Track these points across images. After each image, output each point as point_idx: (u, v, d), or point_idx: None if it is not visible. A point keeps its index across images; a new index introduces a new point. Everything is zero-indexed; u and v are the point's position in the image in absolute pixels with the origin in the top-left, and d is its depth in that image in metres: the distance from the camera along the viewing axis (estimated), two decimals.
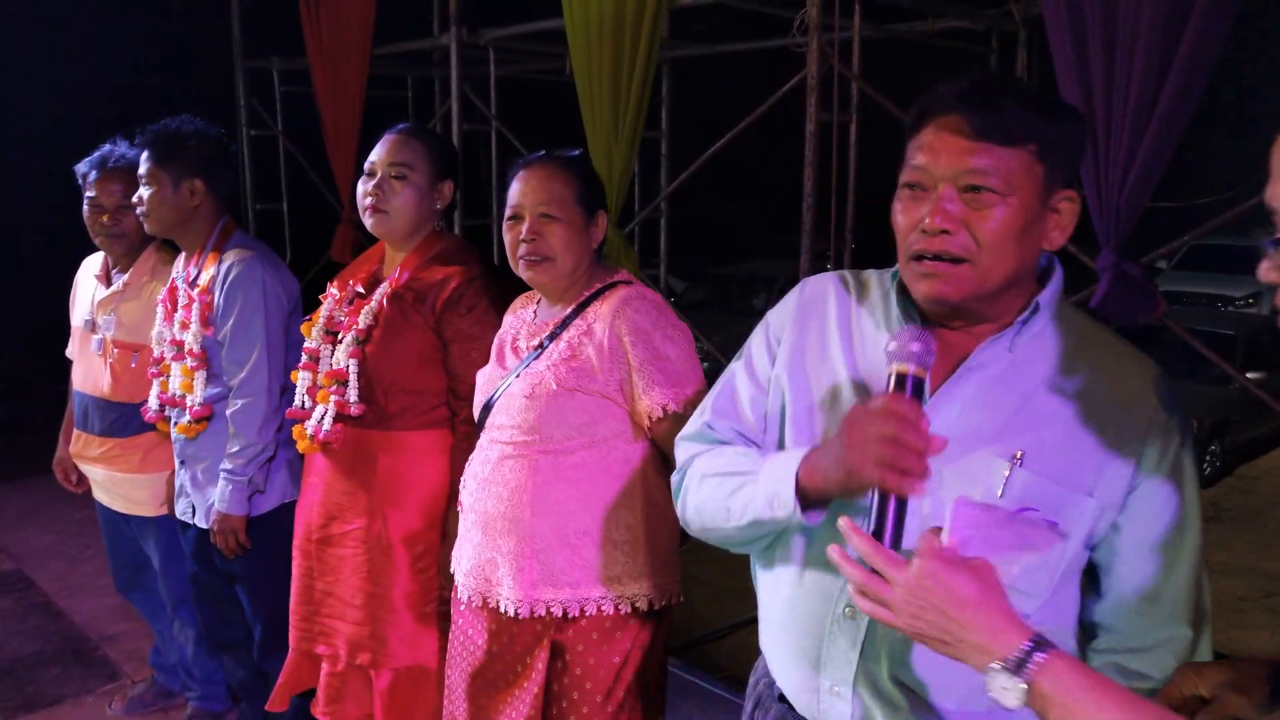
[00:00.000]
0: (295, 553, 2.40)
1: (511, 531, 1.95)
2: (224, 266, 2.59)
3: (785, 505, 1.21)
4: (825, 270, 3.27)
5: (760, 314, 1.47)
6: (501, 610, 1.97)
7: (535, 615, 1.94)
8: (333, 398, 2.25)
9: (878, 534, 1.08)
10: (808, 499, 1.21)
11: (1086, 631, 1.28)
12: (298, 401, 2.34)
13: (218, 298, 2.57)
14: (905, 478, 1.07)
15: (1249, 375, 8.00)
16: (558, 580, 1.94)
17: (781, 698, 1.38)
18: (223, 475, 2.55)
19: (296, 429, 2.32)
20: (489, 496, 1.98)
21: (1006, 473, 1.17)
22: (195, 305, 2.59)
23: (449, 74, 4.86)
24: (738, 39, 5.13)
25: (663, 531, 1.99)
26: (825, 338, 1.35)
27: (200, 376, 2.59)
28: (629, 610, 1.95)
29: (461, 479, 2.09)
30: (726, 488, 1.33)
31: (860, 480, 1.10)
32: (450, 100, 4.75)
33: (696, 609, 4.52)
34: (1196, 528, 1.22)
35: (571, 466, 1.93)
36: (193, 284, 2.65)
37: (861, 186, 3.57)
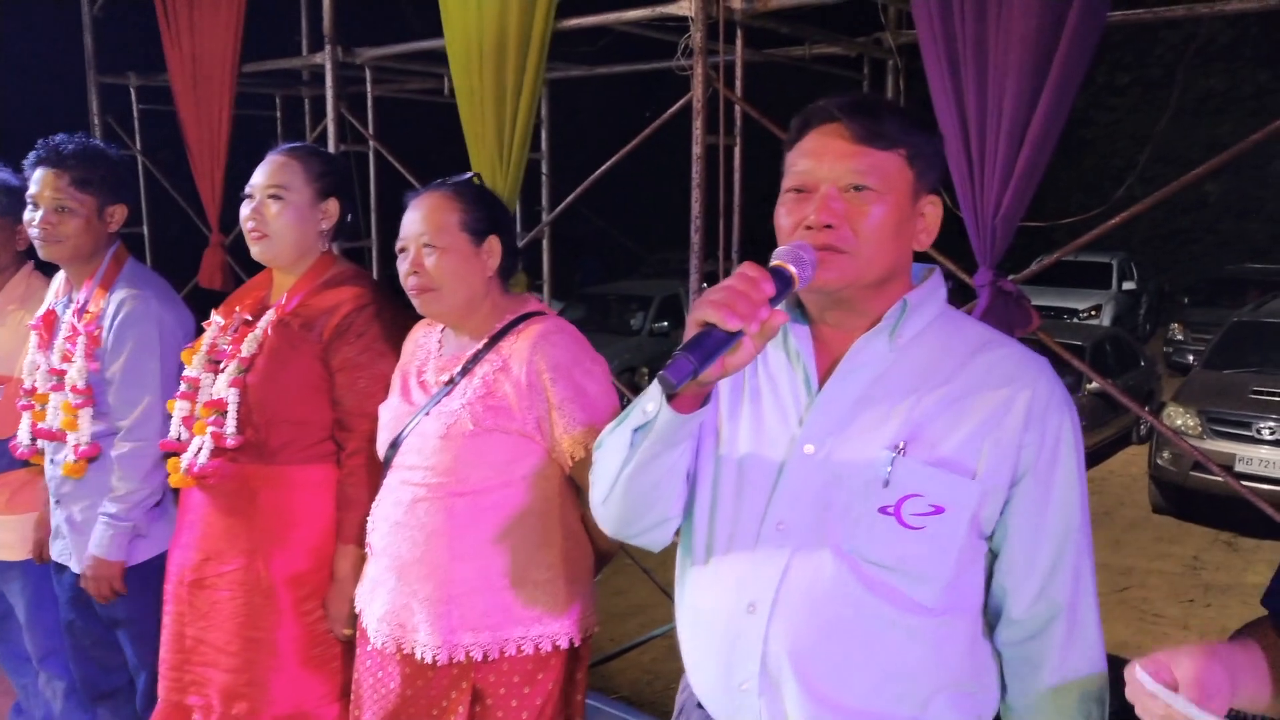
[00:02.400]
0: (166, 597, 2.27)
1: (429, 577, 1.89)
2: (116, 299, 2.45)
3: (654, 397, 1.25)
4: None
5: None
6: (418, 656, 1.90)
7: (454, 660, 1.89)
8: (210, 429, 2.14)
9: (689, 349, 1.12)
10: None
11: (996, 624, 1.36)
12: (173, 433, 2.22)
13: (107, 333, 2.43)
14: (729, 313, 1.12)
15: (1094, 383, 8.52)
16: (477, 624, 1.89)
17: (700, 705, 1.41)
18: (103, 519, 2.39)
19: (171, 462, 2.20)
20: (403, 541, 1.91)
21: (891, 462, 1.25)
22: (81, 337, 2.43)
23: (321, 93, 4.74)
24: (619, 61, 5.18)
25: (582, 566, 1.97)
26: None
27: (86, 414, 2.43)
28: (550, 649, 1.92)
29: (369, 520, 2.01)
30: (612, 432, 1.37)
31: (696, 318, 1.15)
32: (325, 120, 4.62)
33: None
34: (1078, 512, 1.31)
35: (489, 508, 1.89)
36: (80, 313, 2.48)
37: (746, 208, 3.64)
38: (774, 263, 1.23)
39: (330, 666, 2.18)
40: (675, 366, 1.11)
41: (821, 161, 1.28)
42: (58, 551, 2.55)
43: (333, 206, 2.23)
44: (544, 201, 5.54)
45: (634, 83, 5.06)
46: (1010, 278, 2.86)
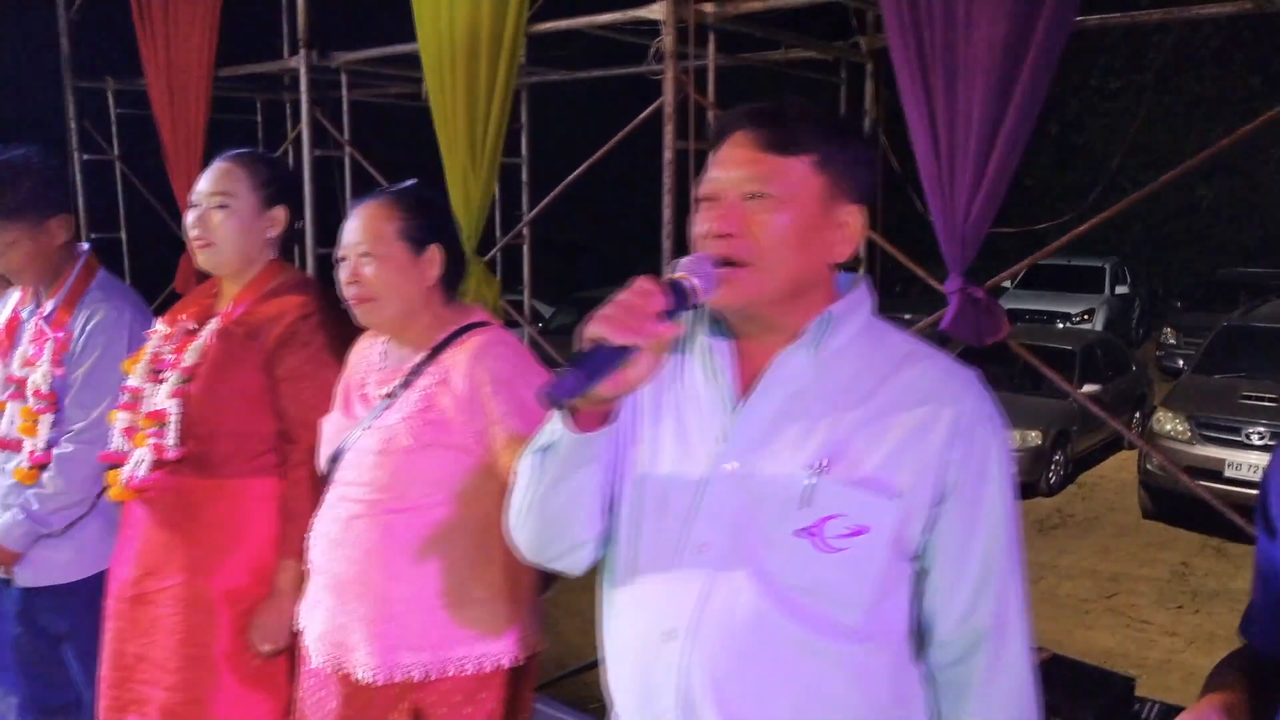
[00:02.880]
0: (107, 613, 2.21)
1: (366, 596, 1.84)
2: (89, 307, 2.43)
3: (556, 419, 1.22)
4: None
5: None
6: (357, 677, 1.85)
7: (393, 680, 1.84)
8: (150, 441, 2.09)
9: (577, 364, 1.09)
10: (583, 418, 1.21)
11: (925, 647, 1.31)
12: (114, 444, 2.17)
13: (77, 338, 2.39)
14: (617, 327, 1.09)
15: (1086, 387, 8.50)
16: (417, 643, 1.84)
17: None
18: (21, 510, 2.35)
19: (110, 474, 2.15)
20: (340, 559, 1.87)
21: (812, 481, 1.20)
22: (50, 342, 2.40)
23: (300, 98, 4.70)
24: (596, 65, 5.15)
25: (524, 584, 1.91)
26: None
27: (46, 420, 2.39)
28: (493, 668, 1.87)
29: (309, 536, 1.96)
30: (526, 454, 1.32)
31: (587, 333, 1.12)
32: (300, 125, 4.59)
33: (570, 640, 4.45)
34: (1005, 533, 1.26)
35: (428, 525, 1.84)
36: (47, 318, 2.45)
37: None
38: (675, 275, 1.19)
39: (273, 684, 2.13)
40: (559, 383, 1.07)
41: (726, 169, 1.25)
42: None
43: (280, 214, 2.18)
44: (524, 206, 5.50)
45: (616, 87, 5.03)
46: (986, 285, 2.83)
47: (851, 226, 1.28)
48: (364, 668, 1.84)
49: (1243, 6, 2.96)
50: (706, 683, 1.22)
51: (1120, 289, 14.28)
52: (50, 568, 2.43)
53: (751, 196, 1.23)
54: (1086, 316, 13.37)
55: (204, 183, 2.14)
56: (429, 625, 1.84)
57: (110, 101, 5.75)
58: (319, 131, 4.69)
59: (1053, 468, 8.14)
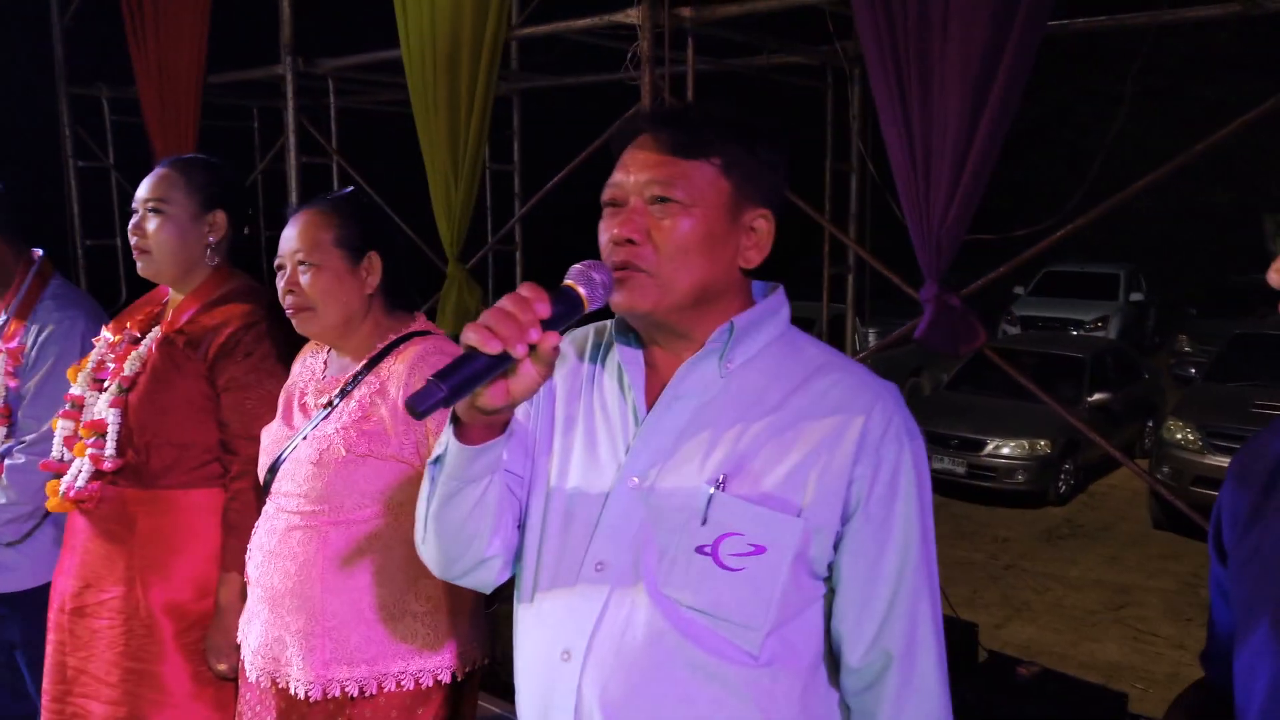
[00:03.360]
0: (49, 625, 2.19)
1: (301, 609, 1.80)
2: (41, 317, 2.42)
3: (447, 430, 1.18)
4: None
5: None
6: (292, 691, 1.82)
7: (328, 695, 1.80)
8: (89, 450, 2.06)
9: (443, 374, 1.03)
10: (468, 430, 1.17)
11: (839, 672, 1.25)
12: (55, 453, 2.14)
13: (30, 349, 2.38)
14: (489, 336, 1.05)
15: (1096, 395, 8.38)
16: (353, 657, 1.80)
17: None
18: None
19: (50, 485, 2.12)
20: (275, 571, 1.83)
21: (709, 498, 1.16)
22: (2, 355, 2.39)
23: (300, 105, 4.69)
24: (587, 71, 5.12)
25: (465, 597, 1.86)
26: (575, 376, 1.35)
27: (1, 431, 2.38)
28: (431, 683, 1.82)
29: (247, 548, 1.92)
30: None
31: (462, 341, 1.08)
32: (286, 132, 4.57)
33: None
34: (913, 550, 1.20)
35: (365, 537, 1.80)
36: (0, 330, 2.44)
37: None
38: (564, 282, 1.15)
39: (220, 699, 2.09)
40: (422, 393, 1.02)
41: (629, 173, 1.21)
42: None
43: (219, 219, 2.15)
44: (516, 212, 5.47)
45: (608, 94, 5.00)
46: (963, 291, 2.77)
47: (762, 231, 1.24)
48: (298, 682, 1.80)
49: (1231, 9, 2.89)
50: (599, 707, 1.18)
51: (1135, 296, 14.08)
52: (3, 576, 2.41)
53: (655, 201, 1.19)
54: (1100, 324, 13.20)
55: (142, 189, 2.12)
56: (364, 639, 1.80)
57: (105, 108, 5.76)
58: (308, 138, 4.67)
59: (1062, 477, 8.02)
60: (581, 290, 1.14)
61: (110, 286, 5.77)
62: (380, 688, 1.80)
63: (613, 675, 1.17)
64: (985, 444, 7.81)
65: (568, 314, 1.12)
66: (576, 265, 1.17)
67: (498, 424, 1.17)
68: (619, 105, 3.11)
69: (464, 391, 1.05)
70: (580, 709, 1.19)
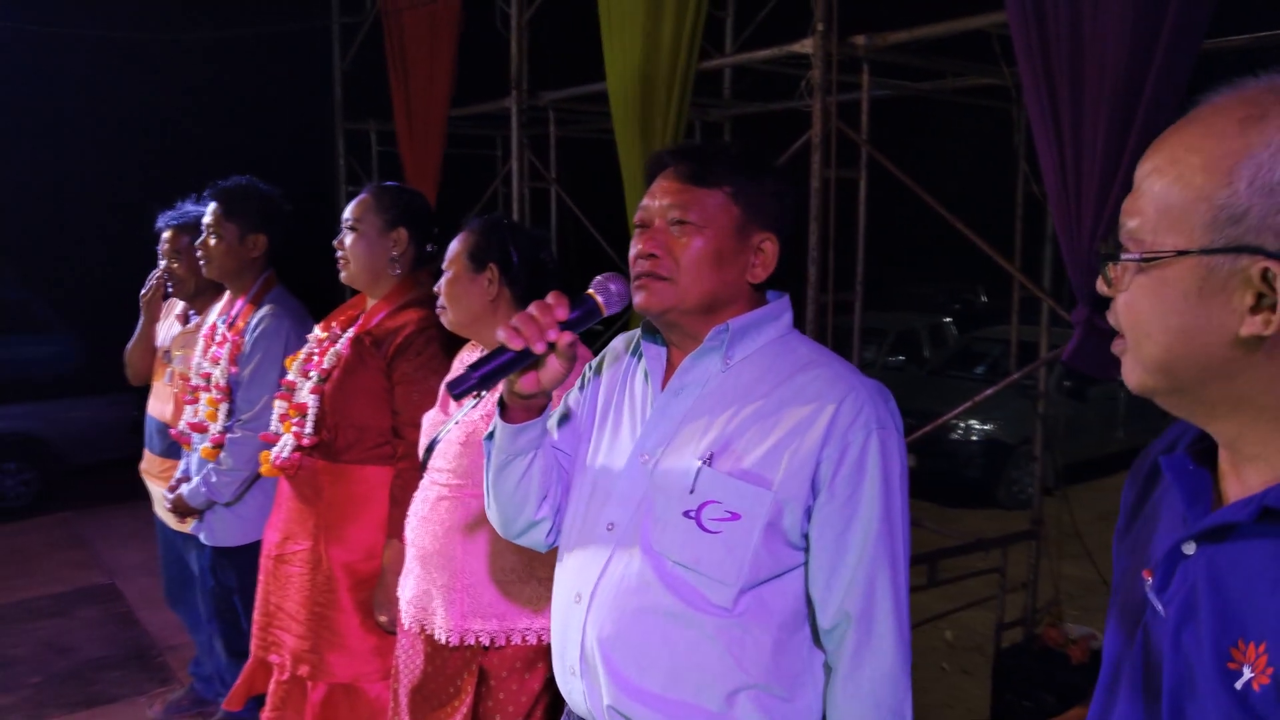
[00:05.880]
0: (260, 569, 2.65)
1: (445, 567, 2.11)
2: (258, 315, 2.90)
3: (495, 414, 1.46)
4: (827, 319, 3.36)
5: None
6: (436, 637, 2.13)
7: (465, 643, 2.10)
8: (294, 427, 2.49)
9: (476, 365, 1.31)
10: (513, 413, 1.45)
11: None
12: (272, 427, 2.60)
13: (248, 342, 2.87)
14: (513, 335, 1.32)
15: None
16: (485, 612, 2.09)
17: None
18: (204, 478, 2.84)
19: (262, 454, 2.57)
20: (426, 534, 2.16)
21: (697, 472, 1.36)
22: (228, 345, 2.90)
23: (535, 134, 5.13)
24: (757, 99, 5.28)
25: None
26: (616, 371, 1.60)
27: (224, 408, 2.89)
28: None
29: (406, 516, 2.27)
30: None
31: (496, 338, 1.35)
32: (511, 160, 5.05)
33: None
34: (874, 525, 1.34)
35: None
36: (230, 325, 2.95)
37: (870, 240, 3.64)
38: (586, 291, 1.40)
39: (382, 647, 2.46)
40: (459, 378, 1.30)
41: (654, 199, 1.44)
42: (193, 527, 3.03)
43: (402, 235, 2.52)
44: None
45: (784, 121, 5.14)
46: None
47: (768, 252, 1.44)
48: (441, 629, 2.12)
49: None
50: (598, 641, 1.40)
51: None
52: (224, 532, 2.94)
53: (675, 223, 1.41)
54: None
55: (345, 211, 2.54)
56: (496, 597, 2.09)
57: (372, 140, 6.55)
58: (533, 166, 5.12)
59: None
60: (599, 298, 1.40)
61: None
62: (508, 640, 2.08)
63: (608, 615, 1.39)
64: None
65: (586, 317, 1.38)
66: (598, 277, 1.43)
67: (534, 408, 1.44)
68: (785, 130, 3.27)
69: (493, 380, 1.33)
70: (585, 642, 1.42)
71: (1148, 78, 2.42)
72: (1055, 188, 2.68)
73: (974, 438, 7.47)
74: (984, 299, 17.36)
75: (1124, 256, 0.85)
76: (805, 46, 3.40)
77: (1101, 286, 0.89)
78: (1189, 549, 0.87)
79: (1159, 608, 0.88)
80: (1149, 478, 1.02)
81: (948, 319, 11.54)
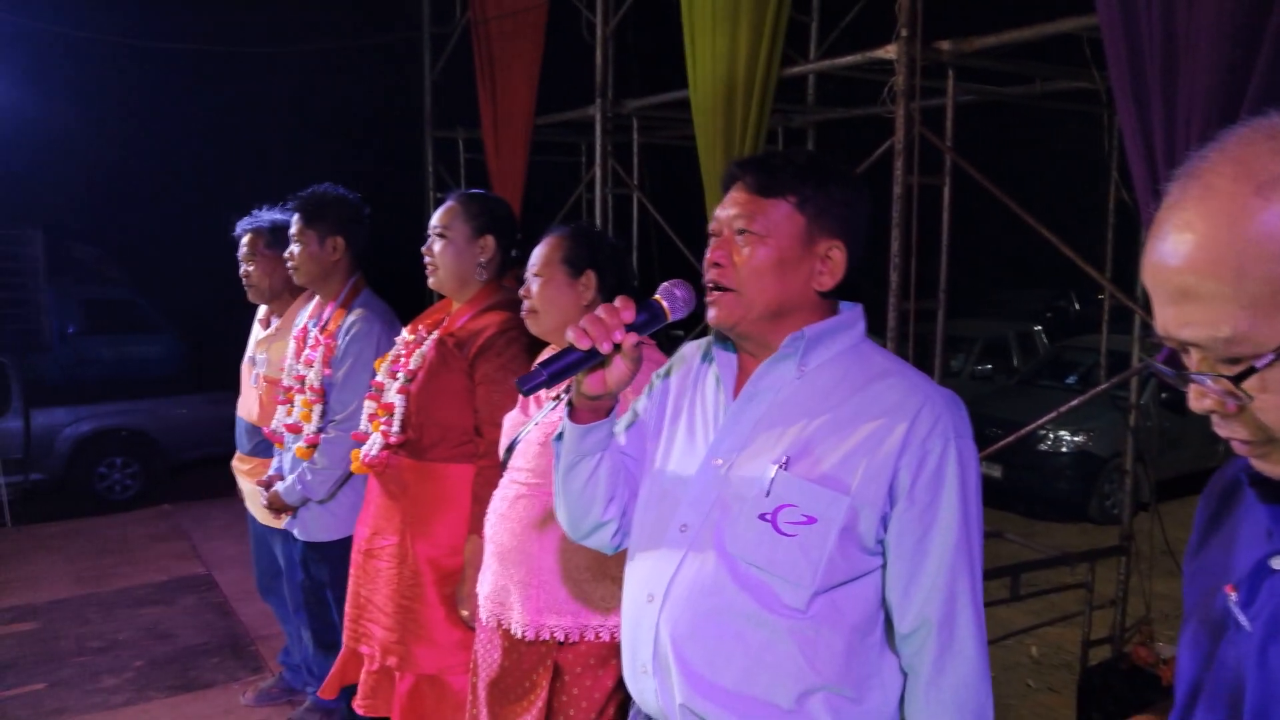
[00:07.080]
0: (351, 563, 2.73)
1: (521, 563, 2.17)
2: (349, 319, 3.00)
3: (564, 415, 1.50)
4: (908, 327, 3.33)
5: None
6: (513, 632, 2.19)
7: (540, 638, 2.15)
8: (382, 426, 2.57)
9: (545, 363, 1.35)
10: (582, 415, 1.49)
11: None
12: (362, 427, 2.68)
13: (340, 345, 2.97)
14: (580, 335, 1.36)
15: None
16: (560, 608, 2.13)
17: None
18: (299, 476, 2.94)
19: (353, 452, 2.66)
20: (504, 531, 2.21)
21: (773, 476, 1.37)
22: (321, 348, 3.01)
23: (618, 141, 5.17)
24: (842, 105, 5.24)
25: None
26: (686, 377, 1.62)
27: (318, 409, 3.00)
28: None
29: (487, 512, 2.33)
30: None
31: (565, 338, 1.39)
32: (594, 167, 5.11)
33: None
34: (953, 531, 1.35)
35: None
36: (322, 329, 3.06)
37: (955, 247, 3.59)
38: (654, 296, 1.43)
39: (464, 641, 2.53)
40: (529, 375, 1.35)
41: (725, 209, 1.48)
42: (286, 523, 3.13)
43: (489, 242, 2.59)
44: None
45: (864, 126, 5.08)
46: None
47: (835, 260, 1.45)
48: (518, 624, 2.17)
49: None
50: (671, 640, 1.42)
51: None
52: (317, 527, 3.04)
53: (740, 232, 1.44)
54: None
55: (433, 218, 2.61)
56: (571, 594, 2.13)
57: (460, 148, 6.69)
58: (616, 172, 5.17)
59: None
60: (664, 303, 1.43)
61: None
62: (582, 636, 2.12)
63: (682, 615, 1.41)
64: None
65: (651, 321, 1.42)
66: (664, 283, 1.46)
67: (601, 409, 1.48)
68: (864, 136, 3.25)
69: (561, 377, 1.36)
70: (658, 641, 1.45)
71: (1249, 82, 2.35)
72: (1146, 195, 2.61)
73: (1064, 449, 7.28)
74: (1077, 307, 16.90)
75: (1259, 364, 0.78)
76: (889, 52, 3.38)
77: (1230, 405, 0.81)
78: (1277, 564, 0.86)
79: (1244, 623, 0.87)
80: (1224, 495, 1.01)
81: (1038, 327, 11.26)
